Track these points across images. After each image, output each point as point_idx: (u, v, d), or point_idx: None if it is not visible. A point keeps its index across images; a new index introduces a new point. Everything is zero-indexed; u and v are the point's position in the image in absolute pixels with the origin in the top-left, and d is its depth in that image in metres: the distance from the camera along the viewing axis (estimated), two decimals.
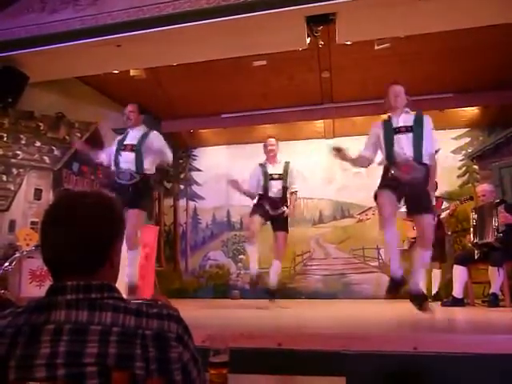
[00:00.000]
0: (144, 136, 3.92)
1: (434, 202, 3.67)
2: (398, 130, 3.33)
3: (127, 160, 3.83)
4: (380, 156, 3.54)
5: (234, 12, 3.57)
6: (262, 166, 4.72)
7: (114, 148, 3.99)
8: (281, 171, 4.65)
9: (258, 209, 4.58)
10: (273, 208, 4.53)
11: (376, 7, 3.49)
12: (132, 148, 3.86)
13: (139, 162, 3.82)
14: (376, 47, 4.52)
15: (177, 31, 3.73)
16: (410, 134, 3.29)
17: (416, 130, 3.29)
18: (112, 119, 6.24)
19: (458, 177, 6.41)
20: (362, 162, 3.62)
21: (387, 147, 3.34)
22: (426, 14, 3.59)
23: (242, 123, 6.56)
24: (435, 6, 3.44)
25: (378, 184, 3.42)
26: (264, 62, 4.97)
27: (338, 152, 3.48)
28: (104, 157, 4.07)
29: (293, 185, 4.70)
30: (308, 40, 3.87)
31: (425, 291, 5.22)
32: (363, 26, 3.84)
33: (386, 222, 3.21)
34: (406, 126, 3.32)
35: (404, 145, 3.28)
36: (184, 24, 3.66)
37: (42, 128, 5.42)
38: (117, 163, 3.87)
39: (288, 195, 4.66)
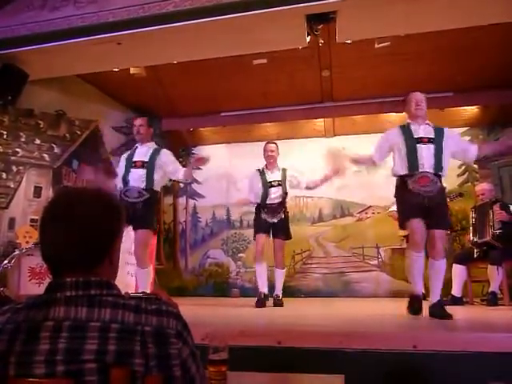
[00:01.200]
0: (155, 152, 3.82)
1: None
2: (420, 140, 3.26)
3: (137, 177, 3.72)
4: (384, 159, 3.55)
5: (235, 10, 3.56)
6: (261, 173, 4.66)
7: (121, 166, 3.88)
8: (279, 177, 4.60)
9: (258, 224, 4.56)
10: (271, 215, 4.50)
11: (376, 6, 3.49)
12: (143, 164, 3.75)
13: (150, 178, 3.72)
14: (376, 46, 4.52)
15: (177, 29, 3.72)
16: (432, 146, 3.22)
17: (437, 142, 3.24)
18: (112, 117, 6.25)
19: (458, 176, 6.41)
20: (368, 162, 3.60)
21: (410, 157, 3.24)
22: (426, 13, 3.59)
23: (242, 121, 6.55)
24: (435, 4, 3.44)
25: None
26: (264, 61, 4.97)
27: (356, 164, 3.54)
28: (119, 181, 3.88)
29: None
30: (308, 38, 3.86)
31: (423, 291, 5.25)
32: (363, 25, 3.83)
33: (416, 248, 3.19)
34: (428, 138, 3.25)
35: (427, 156, 3.21)
36: (185, 22, 3.65)
37: (41, 126, 5.41)
38: (125, 181, 3.75)
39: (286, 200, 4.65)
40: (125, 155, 3.96)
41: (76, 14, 3.91)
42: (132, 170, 3.76)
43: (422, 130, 3.31)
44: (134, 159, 3.81)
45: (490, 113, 6.13)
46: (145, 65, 4.91)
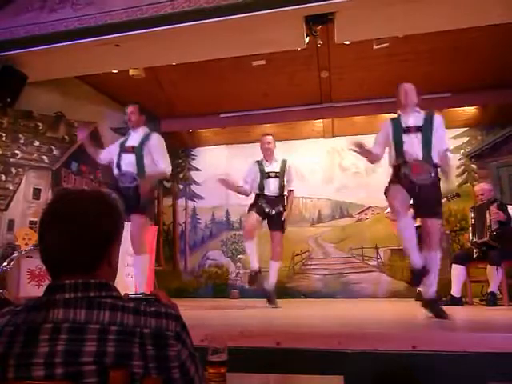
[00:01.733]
0: (145, 138, 3.84)
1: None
2: (408, 130, 3.26)
3: (128, 162, 3.77)
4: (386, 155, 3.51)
5: (233, 12, 3.57)
6: (259, 163, 4.63)
7: (115, 149, 3.94)
8: (278, 169, 4.56)
9: (254, 207, 4.51)
10: (270, 206, 4.45)
11: (374, 7, 3.50)
12: (132, 150, 3.80)
13: (140, 164, 3.75)
14: (375, 47, 4.52)
15: (176, 31, 3.73)
16: (419, 134, 3.21)
17: (425, 130, 3.23)
18: (111, 118, 6.25)
19: (457, 176, 6.41)
20: (373, 156, 3.56)
21: (397, 147, 3.27)
22: (424, 14, 3.60)
23: (241, 123, 6.56)
24: (434, 5, 3.45)
25: (385, 182, 3.36)
26: (263, 62, 4.98)
27: (359, 148, 3.35)
28: (104, 155, 4.01)
29: (290, 183, 4.62)
30: (307, 40, 3.87)
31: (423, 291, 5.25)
32: (362, 26, 3.84)
33: (398, 213, 3.11)
34: (415, 126, 3.25)
35: (413, 145, 3.21)
36: (183, 23, 3.66)
37: (40, 127, 5.41)
38: (119, 165, 3.80)
39: (285, 194, 4.60)
40: (120, 141, 4.02)
41: (74, 16, 3.92)
42: (123, 154, 3.81)
43: (412, 118, 3.29)
44: (126, 144, 3.87)
45: (488, 113, 6.14)
46: (144, 66, 4.91)
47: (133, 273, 4.32)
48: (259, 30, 3.77)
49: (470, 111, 6.18)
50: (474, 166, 6.35)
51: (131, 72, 4.99)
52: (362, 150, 3.36)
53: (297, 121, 6.50)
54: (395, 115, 3.52)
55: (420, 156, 3.18)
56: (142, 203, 3.68)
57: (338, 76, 5.46)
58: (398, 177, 3.26)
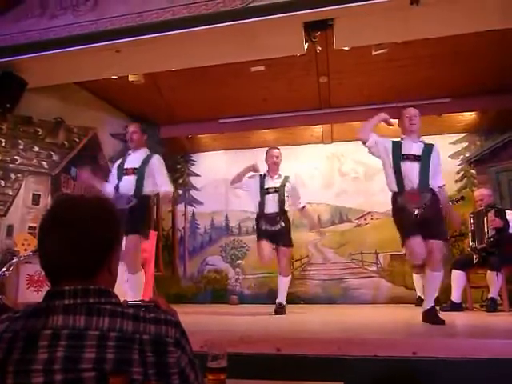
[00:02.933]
0: (146, 159, 3.80)
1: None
2: (406, 157, 3.30)
3: (127, 184, 3.72)
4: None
5: (233, 18, 3.58)
6: (261, 179, 4.60)
7: (113, 174, 3.88)
8: (278, 184, 4.54)
9: (259, 232, 4.51)
10: (270, 224, 4.44)
11: (373, 13, 3.51)
12: (133, 171, 3.74)
13: (139, 185, 3.70)
14: (374, 52, 4.54)
15: (175, 37, 3.74)
16: (416, 164, 3.26)
17: (424, 160, 3.28)
18: (110, 124, 6.26)
19: (456, 181, 6.42)
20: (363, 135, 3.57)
21: (396, 175, 3.32)
22: (423, 20, 3.61)
23: (240, 128, 6.57)
24: (432, 11, 3.46)
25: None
26: (262, 68, 4.99)
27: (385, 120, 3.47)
28: (110, 187, 3.88)
29: (297, 201, 4.62)
30: (306, 45, 3.88)
31: (423, 297, 5.25)
32: (361, 32, 3.85)
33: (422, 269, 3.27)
34: (414, 155, 3.29)
35: (411, 173, 3.26)
36: (183, 30, 3.67)
37: (40, 133, 5.42)
38: (117, 188, 3.76)
39: (287, 209, 4.57)
40: (117, 163, 3.96)
41: (75, 22, 3.93)
42: (124, 177, 3.77)
43: (412, 147, 3.34)
44: (126, 166, 3.81)
45: (487, 118, 6.15)
46: (143, 72, 4.92)
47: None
48: (258, 36, 3.78)
49: (469, 116, 6.19)
50: (473, 171, 6.36)
51: (131, 78, 4.99)
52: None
53: (296, 126, 6.51)
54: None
55: (417, 183, 3.24)
56: (138, 223, 3.65)
57: (337, 81, 5.48)
58: (397, 207, 3.33)
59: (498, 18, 3.60)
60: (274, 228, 4.45)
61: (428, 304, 3.22)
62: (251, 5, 3.53)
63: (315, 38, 3.77)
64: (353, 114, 6.08)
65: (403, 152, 3.32)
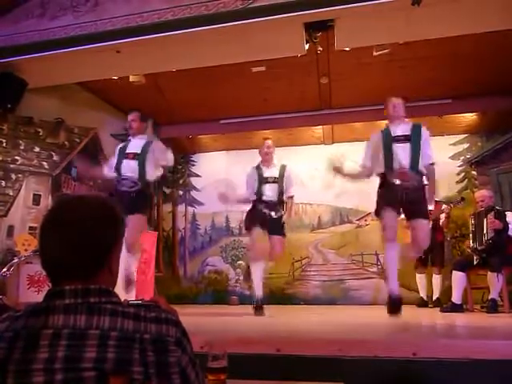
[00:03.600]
0: (147, 144, 3.96)
1: (430, 208, 3.73)
2: (396, 139, 3.42)
3: (130, 168, 3.88)
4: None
5: (233, 18, 3.59)
6: (258, 168, 4.59)
7: (115, 156, 4.02)
8: (276, 174, 4.52)
9: (253, 218, 4.44)
10: (271, 210, 4.40)
11: (375, 14, 3.51)
12: (134, 156, 3.90)
13: (142, 170, 3.87)
14: (375, 53, 4.54)
15: (176, 37, 3.74)
16: (408, 144, 3.38)
17: (413, 139, 3.39)
18: (111, 124, 6.26)
19: (457, 182, 6.42)
20: (363, 174, 3.68)
21: (386, 155, 3.41)
22: (424, 21, 3.61)
23: (241, 129, 6.57)
24: (434, 12, 3.46)
25: (375, 194, 3.49)
26: (263, 68, 4.99)
27: (338, 171, 3.66)
28: (107, 169, 4.09)
29: (289, 189, 4.57)
30: (307, 46, 3.88)
31: (425, 297, 5.26)
32: (362, 33, 3.86)
33: (388, 243, 3.29)
34: (404, 135, 3.41)
35: (401, 154, 3.36)
36: (183, 30, 3.68)
37: (41, 133, 5.43)
38: (119, 171, 3.90)
39: (285, 199, 4.54)
40: (119, 146, 4.11)
41: (75, 23, 3.94)
42: (124, 160, 3.92)
43: (400, 129, 3.47)
44: (127, 151, 3.96)
45: (488, 119, 6.15)
46: (144, 72, 4.92)
47: None
48: (259, 36, 3.78)
49: (470, 117, 6.19)
50: (474, 172, 6.35)
51: (131, 78, 5.00)
52: (341, 173, 3.66)
53: (297, 127, 6.51)
54: None
55: (408, 164, 3.34)
56: (143, 205, 3.84)
57: (337, 82, 5.48)
58: (385, 185, 3.41)
59: (499, 18, 3.61)
60: (274, 215, 4.40)
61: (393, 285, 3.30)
62: (252, 5, 3.54)
63: (316, 39, 3.78)
64: (353, 115, 6.08)
65: (393, 135, 3.45)
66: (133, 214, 3.66)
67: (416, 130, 3.44)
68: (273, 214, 4.41)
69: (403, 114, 3.57)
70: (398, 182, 3.30)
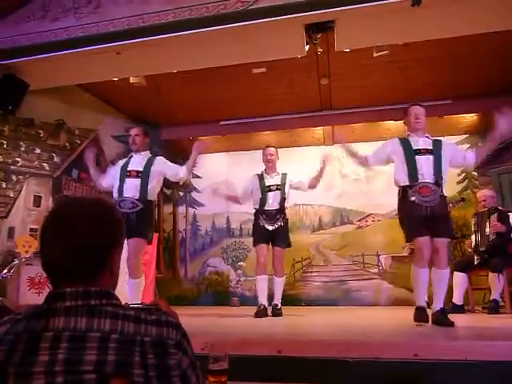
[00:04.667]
0: (149, 161, 3.82)
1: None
2: (419, 152, 3.33)
3: (131, 186, 3.71)
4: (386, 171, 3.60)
5: (234, 20, 3.59)
6: (260, 177, 4.60)
7: (114, 173, 3.86)
8: (279, 182, 4.54)
9: (258, 233, 4.46)
10: (269, 222, 4.42)
11: (374, 15, 3.51)
12: (137, 174, 3.75)
13: (144, 188, 3.71)
14: (375, 54, 4.54)
15: (177, 39, 3.75)
16: (431, 157, 3.30)
17: (436, 152, 3.31)
18: (112, 126, 6.27)
19: (458, 183, 6.41)
20: (361, 160, 3.64)
21: (410, 168, 3.31)
22: (424, 22, 3.62)
23: (242, 130, 6.57)
24: (434, 13, 3.47)
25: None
26: (263, 70, 5.00)
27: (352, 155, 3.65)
28: (107, 180, 3.92)
29: (292, 181, 4.61)
30: (307, 47, 3.89)
31: (426, 299, 5.24)
32: (362, 34, 3.86)
33: (424, 264, 3.21)
34: (426, 149, 3.33)
35: (426, 166, 3.28)
36: (184, 32, 3.68)
37: (41, 135, 5.43)
38: (120, 192, 3.72)
39: (286, 207, 4.58)
40: (120, 163, 3.93)
41: (77, 25, 3.95)
42: (126, 179, 3.75)
43: (421, 142, 3.38)
44: (129, 168, 3.79)
45: (488, 120, 6.13)
46: (144, 74, 4.93)
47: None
48: (260, 38, 3.79)
49: (470, 118, 6.19)
50: (474, 172, 6.35)
51: (132, 80, 5.01)
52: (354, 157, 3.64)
53: (297, 128, 6.51)
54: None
55: (432, 177, 3.26)
56: (143, 227, 3.68)
57: (338, 83, 5.48)
58: (406, 201, 3.30)
59: (499, 19, 3.61)
60: (273, 227, 4.42)
61: (438, 305, 3.20)
62: (252, 7, 3.55)
63: (316, 40, 3.78)
64: (354, 116, 6.09)
65: (414, 147, 3.36)
66: (132, 237, 3.51)
67: (437, 144, 3.37)
68: (272, 227, 4.41)
69: (425, 124, 3.45)
70: (420, 197, 3.21)
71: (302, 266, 6.73)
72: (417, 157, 3.31)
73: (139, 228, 3.63)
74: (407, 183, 3.31)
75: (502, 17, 3.58)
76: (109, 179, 3.90)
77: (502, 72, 5.11)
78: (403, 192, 3.35)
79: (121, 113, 6.37)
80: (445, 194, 3.35)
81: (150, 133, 4.17)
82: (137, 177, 3.75)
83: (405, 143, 3.41)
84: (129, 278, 3.70)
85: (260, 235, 4.46)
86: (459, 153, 3.51)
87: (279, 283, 4.52)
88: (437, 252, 3.19)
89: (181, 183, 4.05)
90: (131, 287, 3.70)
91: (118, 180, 3.79)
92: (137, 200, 3.67)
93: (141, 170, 3.77)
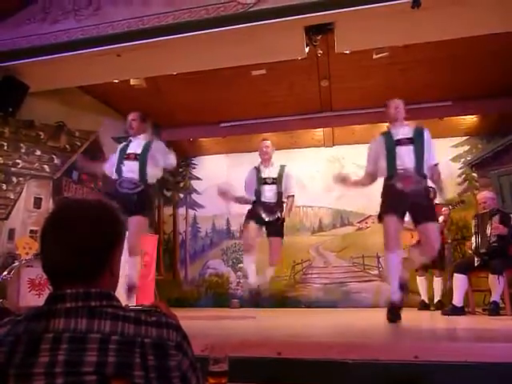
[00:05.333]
0: (147, 145, 3.93)
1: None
2: (399, 142, 3.38)
3: (130, 169, 3.84)
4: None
5: (234, 22, 3.60)
6: (256, 169, 4.61)
7: (115, 157, 3.99)
8: (275, 175, 4.53)
9: (251, 215, 4.45)
10: (267, 213, 4.40)
11: (374, 17, 3.52)
12: (135, 157, 3.87)
13: (143, 170, 3.83)
14: (375, 56, 4.55)
15: (177, 41, 3.76)
16: (411, 146, 3.34)
17: (416, 141, 3.35)
18: (112, 128, 6.27)
19: (458, 184, 6.41)
20: (367, 180, 3.67)
21: (389, 159, 3.37)
22: (424, 24, 3.63)
23: (242, 132, 6.58)
24: (433, 15, 3.48)
25: (379, 198, 3.46)
26: (263, 72, 5.00)
27: (342, 180, 3.64)
28: (108, 167, 4.06)
29: (289, 189, 4.56)
30: (307, 49, 3.90)
31: (426, 300, 5.24)
32: (362, 36, 3.87)
33: (391, 248, 3.25)
34: (406, 138, 3.38)
35: (405, 156, 3.32)
36: (184, 34, 3.69)
37: (42, 137, 5.43)
38: (119, 172, 3.86)
39: (285, 199, 4.54)
40: (119, 147, 4.07)
41: (77, 27, 3.96)
42: (125, 161, 3.87)
43: (401, 131, 3.44)
44: (128, 151, 3.92)
45: (489, 121, 6.15)
46: (145, 76, 4.94)
47: None
48: (260, 39, 3.79)
49: (470, 120, 6.19)
50: (474, 174, 6.35)
51: (132, 82, 5.02)
52: (345, 182, 3.63)
53: (297, 129, 6.52)
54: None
55: (412, 167, 3.30)
56: (145, 207, 3.79)
57: (338, 85, 5.49)
58: (389, 194, 3.36)
59: (498, 21, 3.62)
60: (271, 217, 4.40)
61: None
62: (252, 9, 3.55)
63: (316, 42, 3.79)
64: (354, 118, 6.09)
65: (395, 138, 3.42)
66: (133, 215, 3.64)
67: (418, 132, 3.41)
68: (270, 217, 4.40)
69: (404, 115, 3.55)
70: (401, 186, 3.25)
71: (302, 267, 6.73)
72: (397, 147, 3.36)
73: (140, 207, 3.74)
74: (389, 174, 3.36)
75: (502, 18, 3.59)
76: (111, 164, 4.03)
77: (502, 73, 5.11)
78: (386, 182, 3.42)
79: (121, 114, 6.37)
80: (429, 186, 3.36)
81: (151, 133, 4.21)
82: (135, 159, 3.86)
83: (386, 136, 3.49)
84: (128, 256, 3.78)
85: (253, 218, 4.43)
86: (429, 155, 3.47)
87: (271, 270, 4.56)
88: (429, 235, 3.21)
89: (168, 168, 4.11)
90: (131, 264, 3.80)
91: (116, 162, 3.92)
92: (138, 181, 3.79)
93: (139, 152, 3.88)
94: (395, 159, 3.34)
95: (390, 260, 3.31)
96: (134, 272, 3.81)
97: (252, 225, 4.39)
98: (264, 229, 4.51)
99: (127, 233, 3.62)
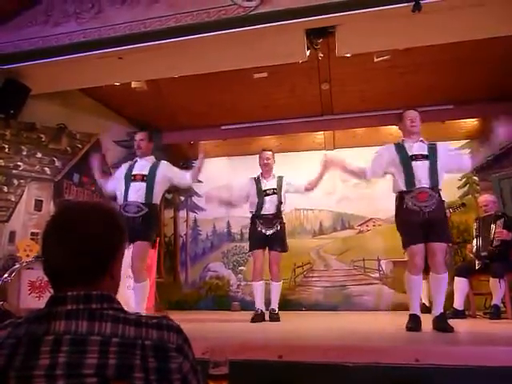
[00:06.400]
0: (154, 166, 3.85)
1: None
2: (415, 158, 3.32)
3: (136, 191, 3.73)
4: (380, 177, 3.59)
5: (235, 25, 3.61)
6: (256, 181, 4.59)
7: (119, 176, 3.89)
8: (275, 185, 4.53)
9: (255, 238, 4.46)
10: (267, 227, 4.41)
11: (375, 20, 3.53)
12: (143, 178, 3.77)
13: (149, 192, 3.73)
14: (375, 59, 4.56)
15: (178, 44, 3.77)
16: (426, 162, 3.28)
17: (431, 158, 3.30)
18: (113, 131, 6.29)
19: (459, 188, 6.41)
20: (361, 175, 3.62)
21: (407, 174, 3.30)
22: (425, 27, 3.63)
23: (243, 135, 6.58)
24: (434, 18, 3.48)
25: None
26: (265, 75, 5.01)
27: (331, 162, 3.69)
28: (111, 184, 3.96)
29: (302, 187, 4.57)
30: (308, 52, 3.90)
31: (427, 303, 5.23)
32: (362, 39, 3.88)
33: (417, 271, 3.21)
34: (421, 154, 3.32)
35: (422, 172, 3.27)
36: (185, 37, 3.70)
37: (43, 139, 5.44)
38: (125, 195, 3.74)
39: (283, 210, 4.57)
40: (125, 166, 3.96)
41: (78, 30, 3.97)
42: (132, 183, 3.77)
43: (416, 147, 3.37)
44: (134, 172, 3.82)
45: (490, 125, 6.14)
46: (146, 79, 4.95)
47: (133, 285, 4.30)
48: (261, 43, 3.80)
49: (471, 123, 6.19)
50: (475, 177, 6.35)
51: (133, 85, 5.02)
52: (338, 165, 3.66)
53: (298, 133, 6.52)
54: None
55: (428, 183, 3.24)
56: (149, 232, 3.72)
57: (338, 88, 5.49)
58: (403, 208, 3.29)
59: (501, 24, 3.62)
60: (269, 232, 4.41)
61: (437, 310, 3.17)
62: (253, 12, 3.56)
63: (317, 45, 3.80)
64: (355, 121, 6.10)
65: (410, 153, 3.34)
66: (136, 241, 3.55)
67: (432, 148, 3.35)
68: (269, 232, 4.40)
69: (419, 130, 3.44)
70: (418, 203, 3.19)
71: (302, 270, 6.72)
72: (413, 163, 3.30)
73: (144, 232, 3.65)
74: (404, 189, 3.30)
75: (503, 22, 3.59)
76: (114, 182, 3.94)
77: (503, 77, 5.11)
78: (400, 198, 3.34)
79: (122, 117, 6.39)
80: (443, 199, 3.33)
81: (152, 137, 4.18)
82: (142, 180, 3.77)
83: (400, 149, 3.40)
84: (134, 283, 3.71)
85: (256, 240, 4.46)
86: (455, 158, 3.50)
87: (276, 288, 4.50)
88: (434, 256, 3.17)
89: (184, 186, 4.09)
90: (137, 291, 3.71)
91: (123, 184, 3.80)
92: (142, 204, 3.69)
93: (146, 173, 3.79)
94: (413, 175, 3.26)
95: (412, 282, 3.26)
96: (142, 301, 3.68)
97: (259, 254, 4.43)
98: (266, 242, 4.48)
99: (131, 259, 3.61)
